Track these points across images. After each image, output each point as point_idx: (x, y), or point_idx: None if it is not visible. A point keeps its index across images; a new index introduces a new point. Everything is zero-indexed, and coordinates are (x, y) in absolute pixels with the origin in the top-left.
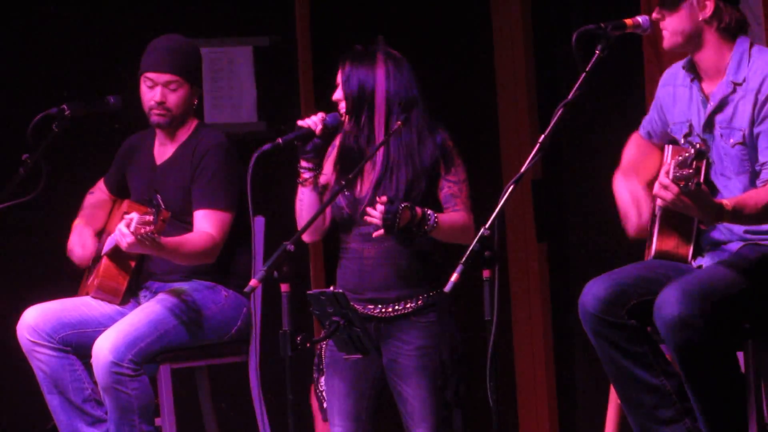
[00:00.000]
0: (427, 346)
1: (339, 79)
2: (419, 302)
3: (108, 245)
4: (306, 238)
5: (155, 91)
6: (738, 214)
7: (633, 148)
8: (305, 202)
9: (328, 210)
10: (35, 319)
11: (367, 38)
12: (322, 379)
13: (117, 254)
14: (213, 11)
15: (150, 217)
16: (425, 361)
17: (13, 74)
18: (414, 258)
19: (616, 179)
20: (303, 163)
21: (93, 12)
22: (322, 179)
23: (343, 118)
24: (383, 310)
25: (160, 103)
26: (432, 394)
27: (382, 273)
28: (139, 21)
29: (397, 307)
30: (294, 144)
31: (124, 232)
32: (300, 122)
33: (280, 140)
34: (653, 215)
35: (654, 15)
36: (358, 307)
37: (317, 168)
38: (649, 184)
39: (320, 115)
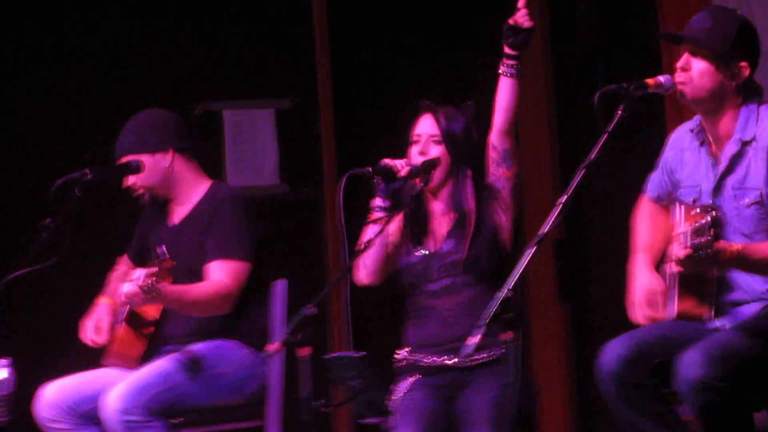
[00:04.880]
0: (502, 396)
1: (421, 130)
2: (499, 351)
3: (124, 311)
4: (366, 279)
5: (126, 177)
6: (744, 260)
7: (645, 220)
8: (373, 240)
9: (394, 256)
10: (54, 396)
11: (390, 101)
12: None
13: (134, 321)
14: (235, 74)
15: (154, 269)
16: (500, 410)
17: (36, 138)
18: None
19: (637, 265)
20: (378, 202)
21: (116, 75)
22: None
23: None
24: (463, 360)
25: (132, 186)
26: None
27: (465, 324)
28: (162, 84)
29: (476, 357)
30: (374, 180)
31: (130, 288)
32: (386, 161)
33: (369, 168)
34: (671, 276)
35: (680, 63)
36: (435, 359)
37: (390, 211)
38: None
39: (404, 160)
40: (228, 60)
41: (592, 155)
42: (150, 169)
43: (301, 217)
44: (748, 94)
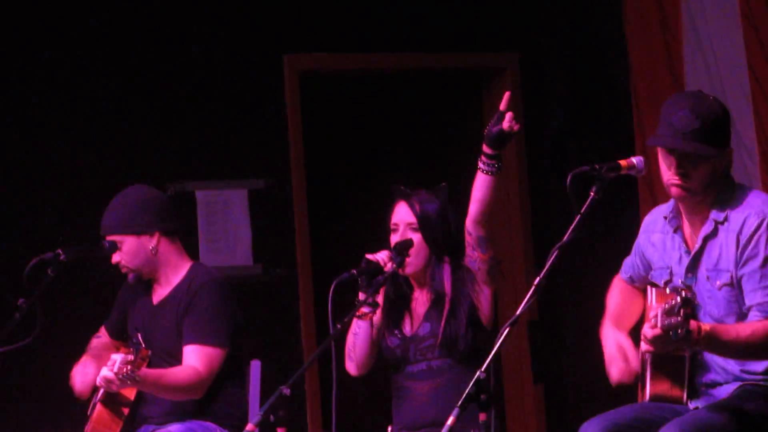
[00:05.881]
0: None
1: (398, 219)
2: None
3: (101, 392)
4: (355, 371)
5: (112, 256)
6: (713, 340)
7: (617, 295)
8: (360, 335)
9: (377, 347)
10: None
11: (362, 180)
12: None
13: (110, 400)
14: (208, 154)
15: (131, 357)
16: None
17: (9, 218)
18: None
19: (604, 327)
20: (364, 297)
21: (91, 154)
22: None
23: (408, 260)
24: None
25: (117, 264)
26: None
27: (440, 408)
28: (136, 165)
29: None
30: (358, 278)
31: (106, 375)
32: (369, 256)
33: (354, 271)
34: (643, 359)
35: (674, 169)
36: None
37: (376, 304)
38: (635, 329)
39: (386, 252)
40: (201, 140)
41: (566, 237)
42: (135, 251)
43: (274, 297)
44: (726, 173)
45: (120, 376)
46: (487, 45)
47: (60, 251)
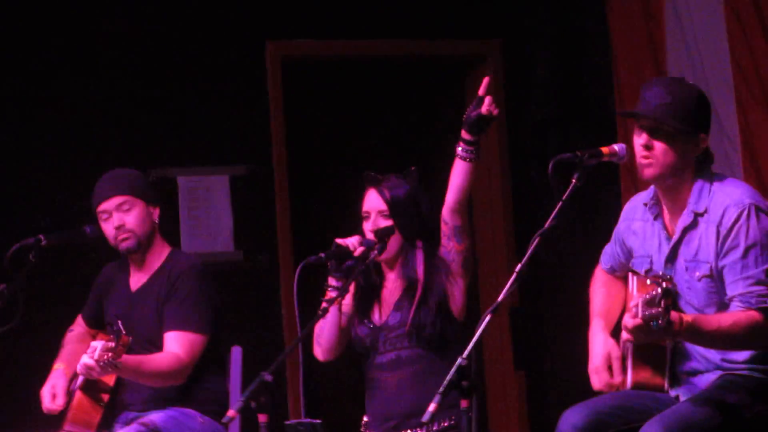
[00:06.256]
0: None
1: (368, 206)
2: (455, 419)
3: (81, 378)
4: (321, 356)
5: (111, 218)
6: (695, 331)
7: (600, 288)
8: (328, 320)
9: (346, 333)
10: None
11: (344, 167)
12: None
13: (90, 387)
14: (189, 140)
15: (112, 344)
16: None
17: None
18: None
19: (594, 330)
20: (332, 282)
21: (71, 140)
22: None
23: (375, 246)
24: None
25: (120, 227)
26: None
27: (407, 400)
28: (117, 151)
29: (433, 427)
30: (326, 262)
31: (87, 362)
32: (339, 240)
33: (323, 254)
34: (625, 347)
35: (642, 142)
36: None
37: (344, 289)
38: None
39: (357, 238)
40: (183, 126)
41: (547, 224)
42: (143, 217)
43: (256, 284)
44: (703, 163)
45: (101, 363)
46: (469, 32)
47: (41, 237)
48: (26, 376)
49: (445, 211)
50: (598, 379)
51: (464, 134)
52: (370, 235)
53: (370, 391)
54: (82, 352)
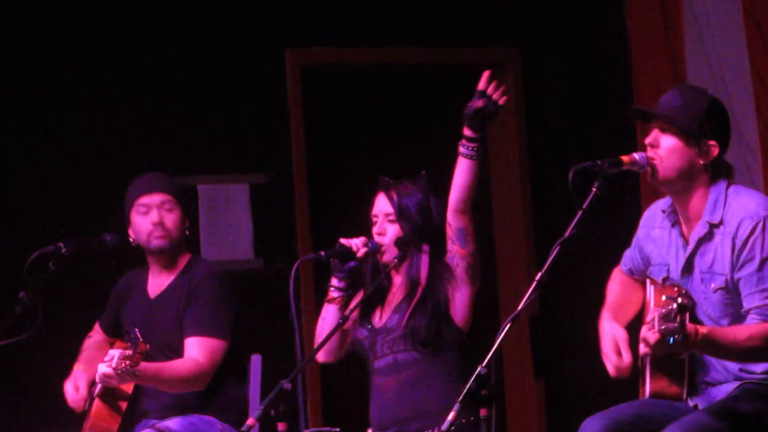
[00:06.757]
0: None
1: (377, 210)
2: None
3: (99, 386)
4: (321, 357)
5: (151, 213)
6: (710, 344)
7: (616, 286)
8: (328, 320)
9: (348, 336)
10: None
11: (364, 174)
12: None
13: (109, 395)
14: (210, 149)
15: (129, 352)
16: None
17: (10, 212)
18: (434, 386)
19: (602, 319)
20: (335, 282)
21: (92, 149)
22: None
23: (383, 248)
24: None
25: (159, 224)
26: None
27: (402, 405)
28: (137, 159)
29: None
30: (330, 261)
31: (105, 371)
32: (343, 240)
33: (323, 253)
34: (643, 357)
35: (648, 140)
36: None
37: (347, 290)
38: (635, 321)
39: (362, 239)
40: (203, 134)
41: (567, 232)
42: (182, 220)
43: (275, 292)
44: (718, 173)
45: (118, 372)
46: (488, 40)
47: (61, 244)
48: (45, 384)
49: (450, 212)
50: (610, 365)
51: (465, 130)
52: (377, 238)
53: (372, 398)
54: (100, 358)
